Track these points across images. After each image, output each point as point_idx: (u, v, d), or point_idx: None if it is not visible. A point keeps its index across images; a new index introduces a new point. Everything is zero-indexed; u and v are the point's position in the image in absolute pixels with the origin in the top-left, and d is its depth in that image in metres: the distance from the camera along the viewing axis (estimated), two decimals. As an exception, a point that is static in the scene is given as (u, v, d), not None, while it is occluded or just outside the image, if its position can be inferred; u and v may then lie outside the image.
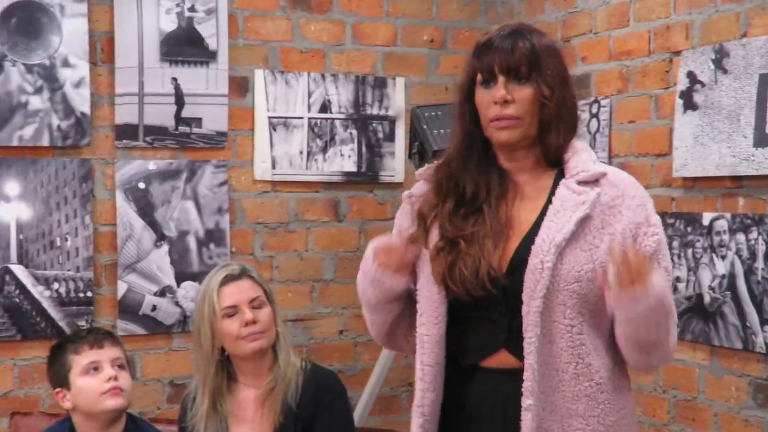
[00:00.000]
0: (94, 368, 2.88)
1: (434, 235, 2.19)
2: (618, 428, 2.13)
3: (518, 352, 2.09)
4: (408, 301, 2.28)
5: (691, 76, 3.52)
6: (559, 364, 2.08)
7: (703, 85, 3.48)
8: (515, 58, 2.11)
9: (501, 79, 2.11)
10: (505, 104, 2.10)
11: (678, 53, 3.61)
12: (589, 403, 2.09)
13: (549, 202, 2.14)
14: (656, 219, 2.16)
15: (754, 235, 3.27)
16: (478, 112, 2.16)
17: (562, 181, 2.14)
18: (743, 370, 3.34)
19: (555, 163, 2.19)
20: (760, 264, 3.26)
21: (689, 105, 3.52)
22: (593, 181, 2.13)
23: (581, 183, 2.12)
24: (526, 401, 2.05)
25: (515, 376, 2.09)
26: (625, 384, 2.20)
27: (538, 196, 2.18)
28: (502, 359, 2.15)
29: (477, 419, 2.17)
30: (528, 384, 2.06)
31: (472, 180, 2.18)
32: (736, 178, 3.37)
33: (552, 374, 2.08)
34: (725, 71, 3.40)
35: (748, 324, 3.28)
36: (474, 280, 2.10)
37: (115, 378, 2.87)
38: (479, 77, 2.15)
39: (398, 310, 2.29)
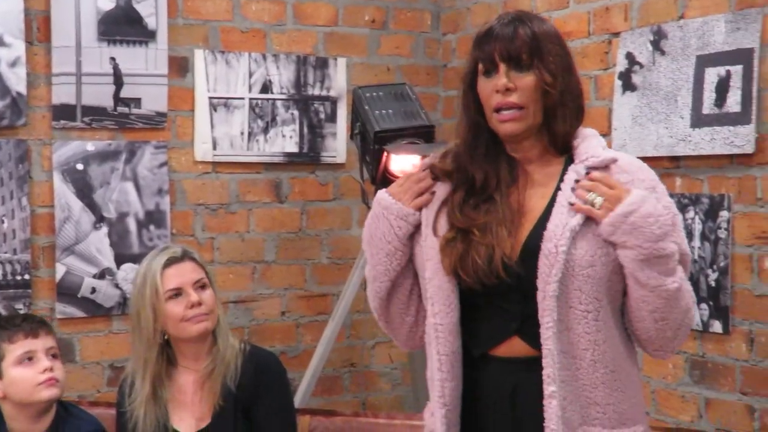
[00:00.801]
0: (29, 358, 2.84)
1: (442, 225, 2.17)
2: (630, 416, 2.12)
3: (531, 340, 2.07)
4: (408, 268, 2.26)
5: (630, 57, 3.56)
6: (576, 351, 2.06)
7: (641, 66, 3.51)
8: (516, 46, 2.08)
9: (502, 67, 2.09)
10: (507, 92, 2.08)
11: (617, 35, 3.65)
12: (605, 390, 2.08)
13: (559, 188, 2.12)
14: (667, 202, 2.15)
15: (690, 214, 3.32)
16: (482, 102, 2.14)
17: (571, 166, 2.13)
18: (680, 347, 3.39)
19: (564, 150, 2.17)
20: (696, 243, 3.31)
21: (628, 86, 3.56)
22: (604, 168, 2.12)
23: (592, 168, 2.11)
24: (549, 388, 2.03)
25: (526, 364, 2.08)
26: (636, 373, 2.19)
27: (547, 183, 2.16)
28: (513, 347, 2.13)
29: (488, 409, 2.16)
30: (549, 371, 2.03)
31: (481, 170, 2.16)
32: (674, 159, 3.42)
33: (569, 362, 2.06)
34: (663, 52, 3.44)
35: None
36: (487, 268, 2.08)
37: (51, 369, 2.84)
38: (481, 67, 2.13)
39: (401, 263, 2.24)
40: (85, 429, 2.96)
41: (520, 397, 2.09)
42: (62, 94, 3.85)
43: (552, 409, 2.03)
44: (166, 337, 2.88)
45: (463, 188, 2.18)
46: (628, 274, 2.07)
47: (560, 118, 2.12)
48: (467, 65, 2.19)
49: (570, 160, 2.16)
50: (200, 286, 2.87)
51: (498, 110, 2.11)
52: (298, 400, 3.71)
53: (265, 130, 4.25)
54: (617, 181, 2.08)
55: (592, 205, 2.05)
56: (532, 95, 2.09)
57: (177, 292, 2.84)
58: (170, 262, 2.87)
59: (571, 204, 2.06)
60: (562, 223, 2.05)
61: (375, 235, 2.26)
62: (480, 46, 2.14)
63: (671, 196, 3.31)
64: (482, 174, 2.16)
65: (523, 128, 2.11)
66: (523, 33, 2.09)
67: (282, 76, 4.28)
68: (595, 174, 2.08)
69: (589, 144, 2.15)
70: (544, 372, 2.04)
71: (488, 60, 2.11)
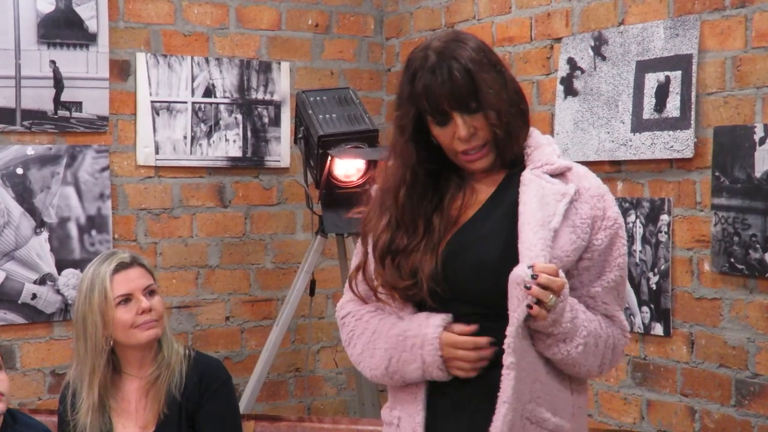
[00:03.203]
0: None
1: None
2: (560, 408, 2.11)
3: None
4: None
5: (571, 62, 3.59)
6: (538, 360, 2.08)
7: (582, 71, 3.55)
8: (460, 92, 2.06)
9: (456, 116, 2.08)
10: (471, 137, 2.09)
11: (558, 40, 3.68)
12: (546, 367, 2.09)
13: (492, 195, 2.15)
14: (613, 212, 2.14)
15: (632, 218, 3.36)
16: (443, 146, 2.13)
17: (526, 171, 2.12)
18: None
19: (513, 162, 2.17)
20: (638, 246, 3.35)
21: (570, 91, 3.60)
22: (559, 175, 2.12)
23: (549, 175, 2.11)
24: (509, 359, 2.00)
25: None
26: (563, 379, 2.15)
27: (486, 191, 2.17)
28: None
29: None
30: (510, 340, 1.99)
31: (413, 214, 2.15)
32: (615, 163, 3.46)
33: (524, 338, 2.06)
34: (604, 58, 3.47)
35: (626, 305, 3.37)
36: (418, 292, 2.10)
37: None
38: (430, 118, 2.11)
39: None
40: None
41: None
42: (1, 97, 3.80)
43: (509, 380, 2.01)
44: (111, 344, 2.84)
45: (388, 231, 2.15)
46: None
47: (511, 142, 2.12)
48: (404, 117, 2.14)
49: (515, 167, 2.16)
50: (149, 292, 2.83)
51: (464, 155, 2.11)
52: (242, 406, 3.69)
53: (209, 135, 4.23)
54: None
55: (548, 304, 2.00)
56: (488, 131, 2.09)
57: (127, 298, 2.79)
58: (120, 267, 2.82)
59: (530, 306, 1.97)
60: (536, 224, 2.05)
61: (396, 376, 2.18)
62: (419, 100, 2.10)
63: (613, 200, 3.36)
64: (424, 222, 2.15)
65: (492, 161, 2.13)
66: (460, 76, 2.06)
67: (225, 80, 4.26)
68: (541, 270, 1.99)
69: (543, 151, 2.15)
70: (506, 341, 2.00)
71: (438, 113, 2.09)
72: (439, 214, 2.16)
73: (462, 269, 2.09)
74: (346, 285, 2.30)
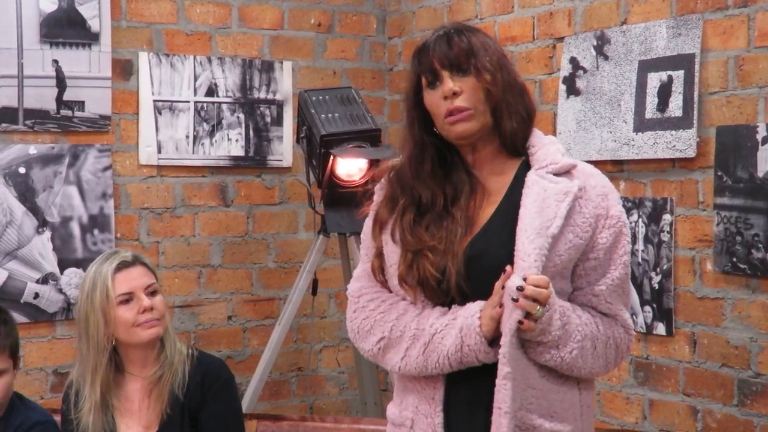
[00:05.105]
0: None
1: (393, 247, 2.17)
2: (559, 411, 2.12)
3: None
4: None
5: (574, 62, 3.59)
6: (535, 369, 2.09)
7: (585, 71, 3.55)
8: (454, 53, 2.12)
9: (445, 74, 2.12)
10: (454, 96, 2.11)
11: (561, 39, 3.68)
12: (542, 371, 2.10)
13: (505, 195, 2.15)
14: (616, 211, 2.16)
15: (634, 218, 3.36)
16: (432, 114, 2.16)
17: (531, 172, 2.13)
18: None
19: (516, 153, 2.19)
20: (640, 246, 3.35)
21: (572, 90, 3.59)
22: (565, 173, 2.13)
23: (554, 175, 2.13)
24: (504, 369, 2.02)
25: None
26: (569, 379, 2.17)
27: (499, 190, 2.18)
28: None
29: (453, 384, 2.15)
30: (505, 350, 2.01)
31: (427, 188, 2.17)
32: (618, 162, 3.46)
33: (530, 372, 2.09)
34: (606, 57, 3.47)
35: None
36: (445, 286, 2.10)
37: None
38: (424, 80, 2.16)
39: None
40: (35, 418, 2.94)
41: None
42: (3, 97, 3.80)
43: (506, 390, 2.02)
44: (113, 343, 2.84)
45: (411, 209, 2.17)
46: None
47: (506, 116, 2.14)
48: (409, 82, 2.21)
49: (526, 167, 2.17)
50: (151, 291, 2.84)
51: (448, 116, 2.12)
52: (245, 405, 3.70)
53: (211, 134, 4.23)
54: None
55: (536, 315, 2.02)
56: (477, 96, 2.11)
57: (128, 297, 2.80)
58: (121, 266, 2.82)
59: (521, 323, 2.00)
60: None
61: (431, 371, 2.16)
62: (419, 60, 2.17)
63: (615, 199, 3.36)
64: (429, 192, 2.17)
65: (475, 128, 2.13)
66: (458, 40, 2.13)
67: (227, 79, 4.26)
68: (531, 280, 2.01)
69: (548, 150, 2.16)
70: (501, 351, 2.02)
71: (429, 71, 2.14)
72: (458, 208, 2.16)
73: (483, 273, 2.10)
74: (361, 272, 2.28)
